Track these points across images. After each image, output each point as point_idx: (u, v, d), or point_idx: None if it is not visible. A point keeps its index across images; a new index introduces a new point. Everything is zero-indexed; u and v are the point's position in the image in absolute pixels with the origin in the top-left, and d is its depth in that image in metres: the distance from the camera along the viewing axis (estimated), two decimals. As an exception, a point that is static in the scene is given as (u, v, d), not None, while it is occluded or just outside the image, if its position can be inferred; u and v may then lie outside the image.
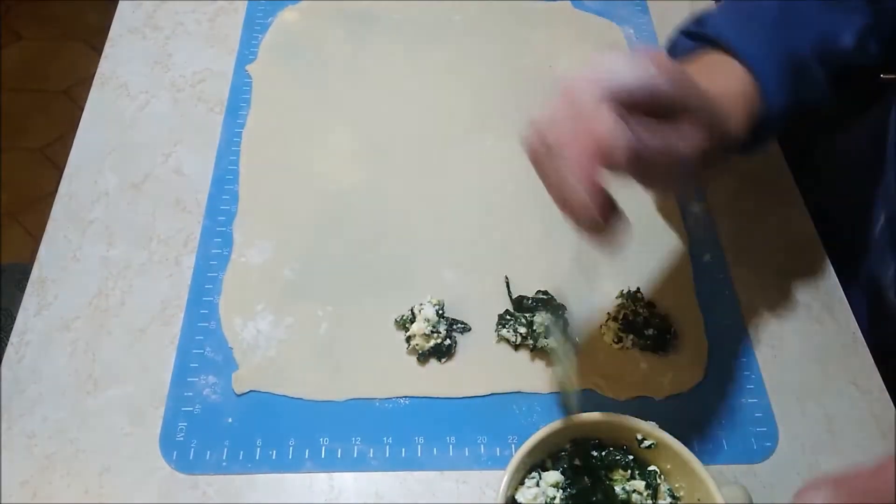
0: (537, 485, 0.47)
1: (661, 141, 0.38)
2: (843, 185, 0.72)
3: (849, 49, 0.50)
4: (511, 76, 0.78)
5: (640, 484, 0.48)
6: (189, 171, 0.69)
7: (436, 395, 0.56)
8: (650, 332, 0.58)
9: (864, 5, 0.51)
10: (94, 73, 0.76)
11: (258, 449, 0.53)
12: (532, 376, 0.57)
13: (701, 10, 0.53)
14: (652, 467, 0.48)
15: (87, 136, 0.71)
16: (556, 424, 0.47)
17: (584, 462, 0.48)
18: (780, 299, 0.63)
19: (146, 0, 0.84)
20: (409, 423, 0.55)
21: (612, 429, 0.48)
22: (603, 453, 0.49)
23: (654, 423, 0.48)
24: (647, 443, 0.48)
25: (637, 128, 0.37)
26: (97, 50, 0.79)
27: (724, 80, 0.47)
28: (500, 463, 0.53)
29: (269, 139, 0.71)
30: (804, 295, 0.63)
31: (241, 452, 0.53)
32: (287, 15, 0.82)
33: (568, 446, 0.49)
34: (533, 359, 0.58)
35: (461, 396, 0.56)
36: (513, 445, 0.54)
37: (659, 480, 0.48)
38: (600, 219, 0.37)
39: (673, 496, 0.48)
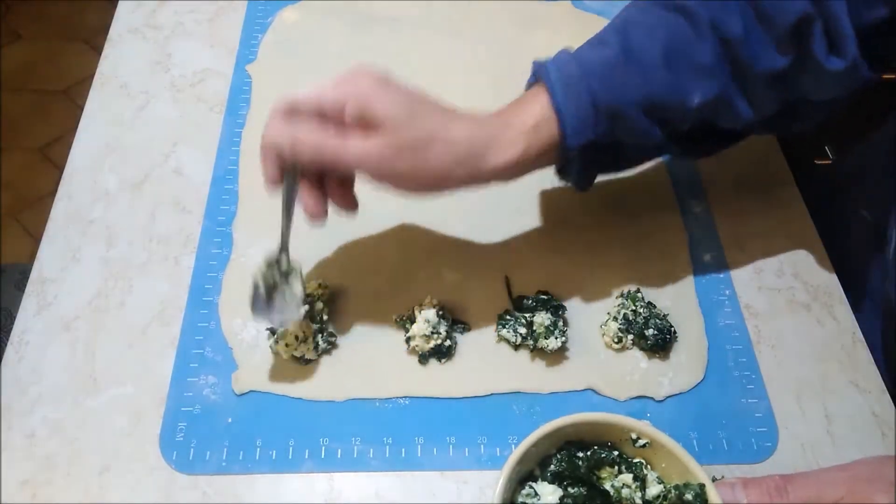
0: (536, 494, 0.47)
1: (316, 138, 0.48)
2: (856, 203, 0.72)
3: (693, 109, 0.52)
4: (511, 76, 0.78)
5: (627, 477, 0.47)
6: (189, 171, 0.69)
7: (436, 396, 0.56)
8: (650, 332, 0.58)
9: (725, 74, 0.52)
10: (94, 73, 0.76)
11: (258, 449, 0.53)
12: (532, 376, 0.57)
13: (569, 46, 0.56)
14: (637, 459, 0.48)
15: (87, 136, 0.71)
16: (547, 428, 0.46)
17: (570, 467, 0.47)
18: (779, 299, 0.63)
19: (146, 0, 0.84)
20: (409, 423, 0.55)
21: (605, 429, 0.48)
22: (588, 453, 0.48)
23: (647, 421, 0.48)
24: (641, 441, 0.47)
25: (301, 129, 0.49)
26: (97, 50, 0.79)
27: (528, 109, 0.52)
28: (500, 463, 0.53)
29: (269, 139, 0.71)
30: (804, 295, 0.63)
31: (241, 452, 0.53)
32: (287, 15, 0.82)
33: (555, 452, 0.48)
34: (533, 359, 0.58)
35: (461, 396, 0.56)
36: (513, 445, 0.54)
37: (646, 470, 0.47)
38: (285, 201, 0.52)
39: (661, 482, 0.47)
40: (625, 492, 0.47)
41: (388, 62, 0.79)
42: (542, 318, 0.58)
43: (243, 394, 0.56)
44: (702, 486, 0.44)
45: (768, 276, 0.64)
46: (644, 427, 0.47)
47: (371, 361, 0.58)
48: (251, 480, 0.52)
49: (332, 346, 0.58)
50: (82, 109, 0.73)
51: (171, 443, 0.53)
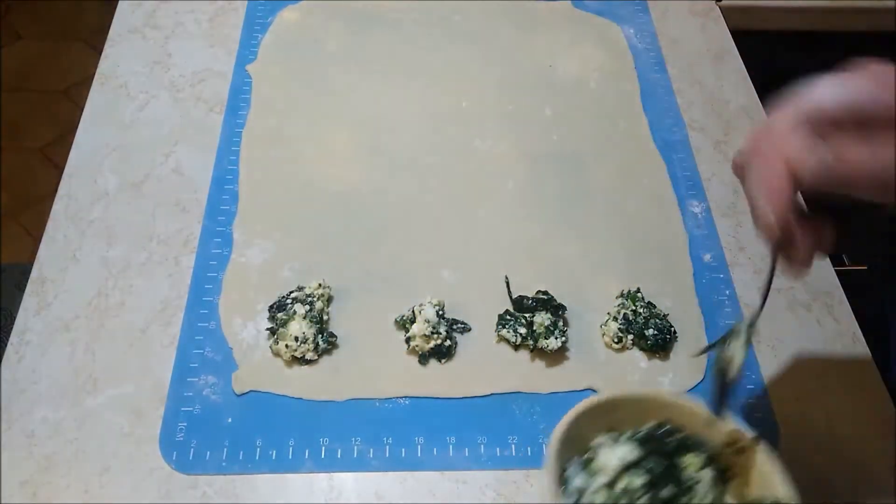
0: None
1: (867, 156, 0.37)
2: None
3: None
4: (511, 76, 0.78)
5: (708, 474, 0.44)
6: (189, 171, 0.69)
7: (436, 396, 0.56)
8: (650, 332, 0.58)
9: None
10: (94, 73, 0.76)
11: (258, 449, 0.53)
12: (532, 376, 0.57)
13: None
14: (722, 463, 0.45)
15: (87, 136, 0.71)
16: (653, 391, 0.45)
17: (658, 441, 0.44)
18: (780, 299, 0.63)
19: (146, 0, 0.84)
20: (409, 423, 0.55)
21: (691, 420, 0.45)
22: (684, 434, 0.45)
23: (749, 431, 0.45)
24: (739, 445, 0.45)
25: (839, 144, 0.37)
26: (97, 50, 0.79)
27: None
28: (500, 463, 0.53)
29: (269, 139, 0.71)
30: (804, 295, 0.63)
31: (241, 452, 0.53)
32: (287, 15, 0.82)
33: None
34: (533, 359, 0.58)
35: (461, 396, 0.56)
36: (513, 445, 0.54)
37: (729, 476, 0.44)
38: (783, 238, 0.38)
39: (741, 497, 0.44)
40: (700, 487, 0.44)
41: (388, 62, 0.79)
42: (542, 318, 0.58)
43: (243, 394, 0.56)
44: None
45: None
46: (745, 436, 0.45)
47: (371, 361, 0.58)
48: (251, 480, 0.52)
49: (332, 346, 0.58)
50: (82, 109, 0.73)
51: (171, 443, 0.53)
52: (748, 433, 0.45)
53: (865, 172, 0.37)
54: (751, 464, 0.45)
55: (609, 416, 0.46)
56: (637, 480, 0.43)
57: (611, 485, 0.44)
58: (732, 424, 0.45)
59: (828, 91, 0.37)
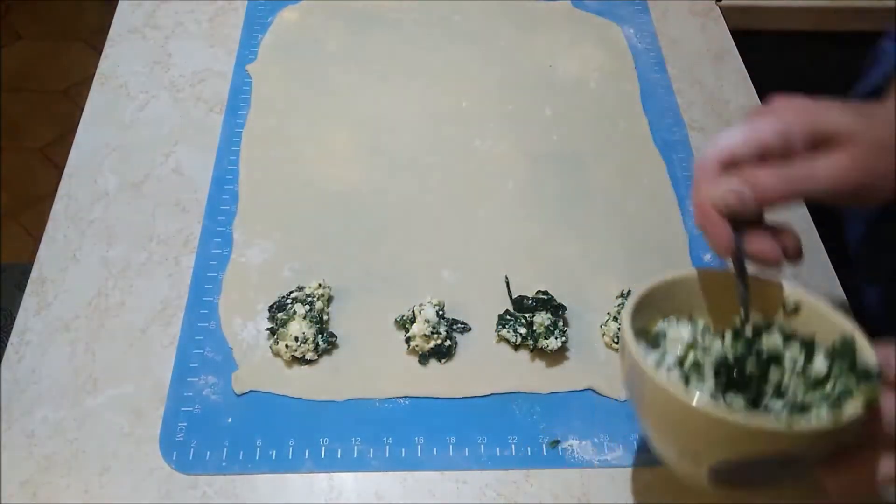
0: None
1: (782, 178, 0.44)
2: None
3: None
4: (511, 76, 0.78)
5: (794, 347, 0.44)
6: (189, 171, 0.69)
7: (436, 396, 0.56)
8: (650, 332, 0.58)
9: None
10: (94, 73, 0.76)
11: (258, 449, 0.53)
12: (532, 376, 0.57)
13: None
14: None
15: (87, 136, 0.71)
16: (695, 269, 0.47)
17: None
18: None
19: (146, 0, 0.84)
20: (409, 423, 0.55)
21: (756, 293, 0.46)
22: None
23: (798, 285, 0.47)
24: (791, 305, 0.46)
25: (754, 174, 0.44)
26: (97, 50, 0.79)
27: None
28: (500, 463, 0.53)
29: (269, 139, 0.71)
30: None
31: (241, 452, 0.53)
32: (287, 15, 0.83)
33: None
34: (533, 359, 0.58)
35: (461, 396, 0.56)
36: (513, 445, 0.54)
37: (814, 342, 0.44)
38: (735, 257, 0.46)
39: (828, 356, 0.43)
40: (787, 362, 0.44)
41: (388, 62, 0.79)
42: (542, 318, 0.58)
43: (243, 394, 0.56)
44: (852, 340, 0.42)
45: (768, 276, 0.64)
46: (800, 291, 0.46)
47: (371, 361, 0.58)
48: (251, 480, 0.52)
49: (332, 346, 0.58)
50: (82, 109, 0.73)
51: (171, 443, 0.53)
52: (795, 287, 0.46)
53: (783, 191, 0.44)
54: (809, 319, 0.46)
55: (666, 302, 0.48)
56: (714, 348, 0.44)
57: (681, 362, 0.44)
58: (779, 285, 0.47)
59: (736, 136, 0.45)
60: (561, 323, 0.58)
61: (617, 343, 0.58)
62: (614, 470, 0.53)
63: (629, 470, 0.53)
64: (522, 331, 0.58)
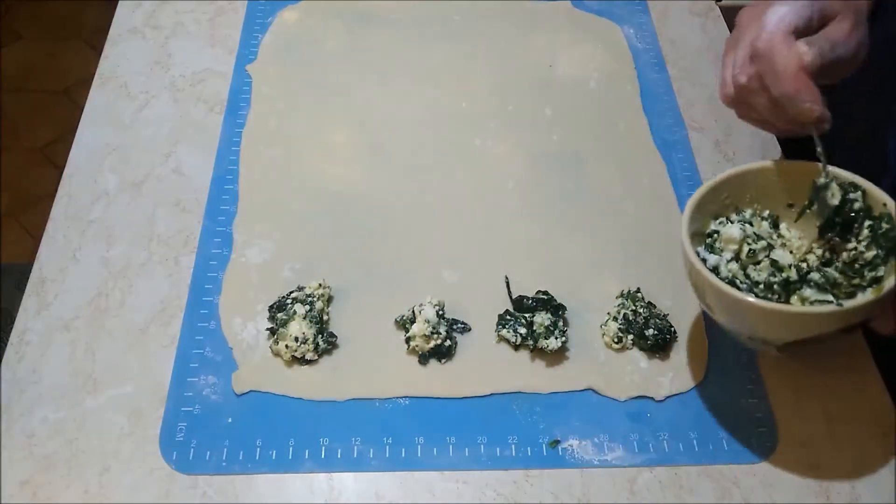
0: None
1: (828, 42, 0.50)
2: None
3: None
4: (511, 76, 0.78)
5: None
6: (189, 171, 0.69)
7: (436, 396, 0.56)
8: (650, 332, 0.58)
9: None
10: (94, 73, 0.76)
11: (258, 449, 0.53)
12: (532, 376, 0.57)
13: None
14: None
15: (87, 136, 0.71)
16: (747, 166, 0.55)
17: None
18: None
19: (146, 0, 0.84)
20: (409, 423, 0.55)
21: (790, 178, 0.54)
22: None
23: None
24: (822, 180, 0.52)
25: (816, 41, 0.50)
26: (97, 50, 0.79)
27: None
28: (500, 463, 0.53)
29: (269, 139, 0.71)
30: (804, 295, 0.63)
31: (241, 452, 0.53)
32: (287, 15, 0.83)
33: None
34: (533, 359, 0.58)
35: (461, 396, 0.56)
36: (513, 445, 0.54)
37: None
38: (823, 111, 0.50)
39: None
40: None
41: (388, 62, 0.79)
42: (542, 318, 0.58)
43: (243, 394, 0.56)
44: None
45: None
46: (830, 168, 0.52)
47: (371, 361, 0.58)
48: (251, 480, 0.52)
49: (332, 346, 0.58)
50: (82, 109, 0.73)
51: (171, 443, 0.53)
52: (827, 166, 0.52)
53: (833, 52, 0.50)
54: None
55: (716, 201, 0.55)
56: (758, 243, 0.53)
57: (736, 257, 0.53)
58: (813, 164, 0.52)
59: (784, 11, 0.51)
60: (561, 323, 0.58)
61: (617, 343, 0.58)
62: (614, 470, 0.53)
63: (629, 470, 0.53)
64: (522, 331, 0.58)
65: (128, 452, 0.53)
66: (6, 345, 0.58)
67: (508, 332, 0.58)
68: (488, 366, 0.58)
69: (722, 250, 0.53)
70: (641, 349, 0.58)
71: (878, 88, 0.65)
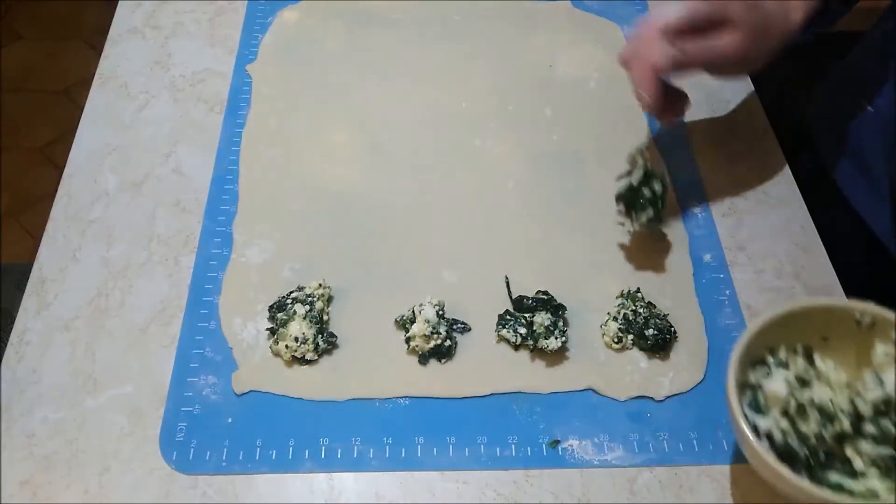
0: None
1: (699, 48, 0.57)
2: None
3: None
4: (511, 76, 0.78)
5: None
6: (189, 171, 0.69)
7: (436, 396, 0.56)
8: (650, 332, 0.58)
9: None
10: (94, 73, 0.76)
11: (258, 449, 0.53)
12: (532, 376, 0.57)
13: None
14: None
15: (87, 136, 0.71)
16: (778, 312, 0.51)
17: None
18: (780, 300, 0.63)
19: (146, 0, 0.84)
20: (409, 423, 0.55)
21: (827, 317, 0.52)
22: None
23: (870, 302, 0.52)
24: (867, 321, 0.51)
25: (682, 44, 0.56)
26: (97, 50, 0.79)
27: None
28: (500, 463, 0.53)
29: (269, 139, 0.71)
30: (804, 295, 0.63)
31: (241, 452, 0.53)
32: (287, 15, 0.83)
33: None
34: (533, 359, 0.58)
35: (461, 396, 0.56)
36: (513, 445, 0.54)
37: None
38: (661, 110, 0.60)
39: None
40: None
41: (388, 62, 0.79)
42: (542, 318, 0.58)
43: (243, 394, 0.56)
44: None
45: (768, 276, 0.64)
46: (869, 306, 0.51)
47: (371, 361, 0.58)
48: (251, 480, 0.52)
49: (332, 346, 0.58)
50: (82, 109, 0.73)
51: (171, 443, 0.53)
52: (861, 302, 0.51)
53: (699, 58, 0.57)
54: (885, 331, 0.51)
55: (751, 352, 0.51)
56: (806, 394, 0.50)
57: (785, 412, 0.50)
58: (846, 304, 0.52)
59: (672, 10, 0.57)
60: (561, 323, 0.58)
61: (617, 343, 0.58)
62: (614, 470, 0.53)
63: (629, 470, 0.53)
64: (522, 331, 0.58)
65: (128, 452, 0.53)
66: (6, 345, 0.58)
67: (508, 332, 0.58)
68: (488, 366, 0.58)
69: (769, 408, 0.50)
70: (641, 349, 0.58)
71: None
